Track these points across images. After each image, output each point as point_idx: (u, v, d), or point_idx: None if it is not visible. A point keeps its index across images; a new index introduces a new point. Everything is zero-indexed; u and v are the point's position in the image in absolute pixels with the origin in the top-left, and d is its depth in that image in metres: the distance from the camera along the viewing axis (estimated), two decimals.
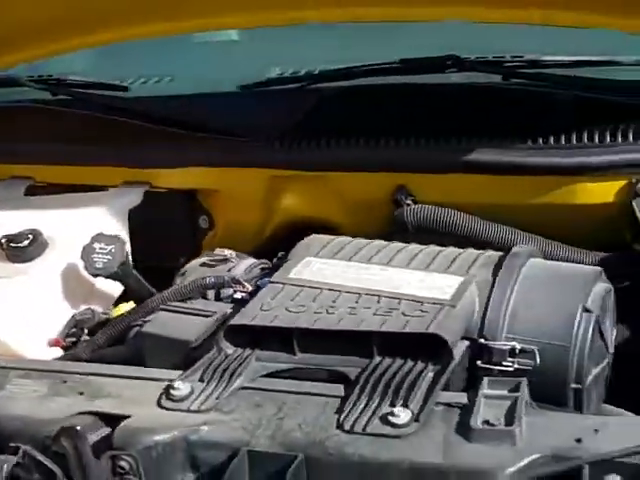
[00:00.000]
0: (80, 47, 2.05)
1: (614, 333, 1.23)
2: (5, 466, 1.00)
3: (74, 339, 1.42)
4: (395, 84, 1.61)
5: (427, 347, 1.07)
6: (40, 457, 1.00)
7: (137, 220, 1.67)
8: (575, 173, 1.42)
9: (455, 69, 1.64)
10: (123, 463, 1.01)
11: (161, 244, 1.64)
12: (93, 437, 1.04)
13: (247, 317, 1.15)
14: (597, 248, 1.42)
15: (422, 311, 1.10)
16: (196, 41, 2.33)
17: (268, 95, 1.73)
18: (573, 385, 1.11)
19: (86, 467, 1.00)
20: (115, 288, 1.53)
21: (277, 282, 1.22)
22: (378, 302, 1.14)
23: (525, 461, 0.93)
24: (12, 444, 1.04)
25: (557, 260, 1.37)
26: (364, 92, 1.62)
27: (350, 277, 1.20)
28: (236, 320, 1.15)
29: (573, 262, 1.37)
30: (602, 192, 1.42)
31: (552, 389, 1.10)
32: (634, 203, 1.40)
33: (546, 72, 1.59)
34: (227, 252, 1.47)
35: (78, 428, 1.00)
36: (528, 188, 1.45)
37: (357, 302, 1.15)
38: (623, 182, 1.41)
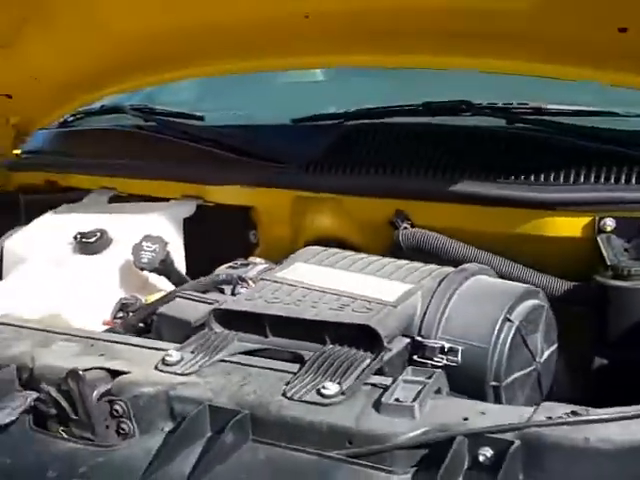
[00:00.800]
0: (177, 79, 2.38)
1: (549, 346, 1.40)
2: (29, 399, 1.26)
3: (120, 319, 1.69)
4: (405, 123, 1.82)
5: (366, 338, 1.27)
6: (55, 394, 1.25)
7: (194, 233, 1.94)
8: (546, 207, 1.59)
9: (468, 113, 1.83)
10: (117, 407, 1.24)
11: (215, 255, 1.80)
12: (101, 387, 1.28)
13: (232, 304, 1.39)
14: (567, 277, 1.59)
15: (368, 309, 1.30)
16: (279, 81, 2.64)
17: (307, 129, 1.96)
18: (492, 383, 1.28)
19: (86, 403, 1.24)
20: (162, 282, 1.80)
21: (265, 279, 1.45)
22: (337, 300, 1.34)
23: (416, 432, 1.12)
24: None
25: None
26: (380, 130, 1.82)
27: (323, 280, 1.41)
28: (222, 305, 1.38)
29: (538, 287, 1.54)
30: (570, 226, 1.59)
31: (475, 384, 1.28)
32: (599, 238, 1.57)
33: (544, 119, 1.76)
34: (257, 260, 1.71)
35: (81, 372, 1.24)
36: (507, 219, 1.63)
37: (321, 299, 1.35)
38: (589, 219, 1.59)
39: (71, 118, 2.49)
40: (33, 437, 1.27)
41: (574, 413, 1.11)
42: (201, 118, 2.20)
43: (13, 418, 1.26)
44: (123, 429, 1.25)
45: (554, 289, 1.55)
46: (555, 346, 1.42)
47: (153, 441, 1.20)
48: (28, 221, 2.02)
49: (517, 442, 1.06)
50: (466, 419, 1.13)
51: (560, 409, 1.13)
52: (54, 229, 1.88)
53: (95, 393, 1.27)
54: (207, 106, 2.54)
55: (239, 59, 1.95)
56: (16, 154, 2.43)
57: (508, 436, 1.09)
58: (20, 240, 1.86)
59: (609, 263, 1.52)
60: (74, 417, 1.27)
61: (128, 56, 2.01)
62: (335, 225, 1.77)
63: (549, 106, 1.78)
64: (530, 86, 1.79)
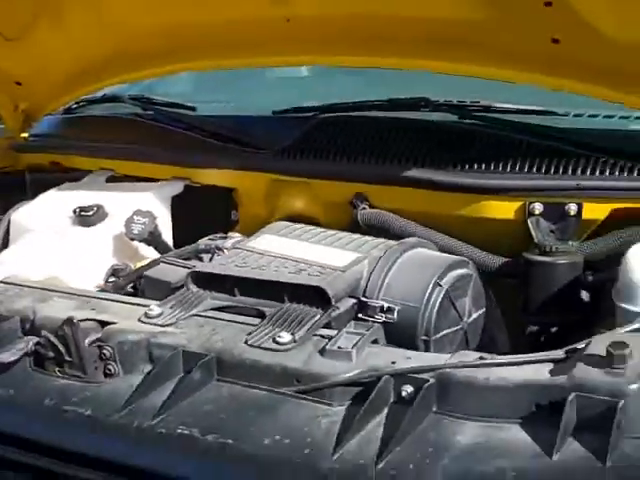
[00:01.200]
0: (171, 73, 2.57)
1: (477, 309, 1.60)
2: (30, 343, 1.46)
3: (112, 283, 1.89)
4: (369, 117, 2.02)
5: (318, 297, 1.48)
6: (52, 339, 1.45)
7: (181, 210, 2.13)
8: (485, 192, 1.79)
9: (427, 109, 2.03)
10: (105, 351, 1.44)
11: (199, 230, 1.97)
12: (92, 334, 1.48)
13: (206, 267, 1.59)
14: (502, 254, 1.78)
15: (321, 273, 1.51)
16: (267, 76, 2.84)
17: (285, 120, 2.17)
18: (422, 337, 1.50)
19: (79, 347, 1.43)
20: (151, 252, 2.00)
21: (238, 248, 1.65)
22: (296, 266, 1.55)
23: (352, 372, 1.32)
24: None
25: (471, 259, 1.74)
26: (346, 122, 2.03)
27: (286, 249, 1.61)
28: (197, 268, 1.59)
29: (474, 261, 1.74)
30: (504, 210, 1.78)
31: (408, 339, 1.49)
32: (529, 221, 1.77)
33: (491, 116, 1.95)
34: (236, 235, 1.91)
35: (75, 321, 1.44)
36: (452, 202, 1.83)
37: (282, 265, 1.56)
38: (520, 203, 1.78)
39: (75, 105, 2.68)
40: (33, 375, 1.48)
41: (481, 358, 1.32)
42: (193, 108, 2.40)
43: (16, 357, 1.46)
44: (109, 370, 1.46)
45: (489, 263, 1.76)
46: (483, 310, 1.62)
47: (134, 379, 1.41)
48: (33, 197, 2.21)
49: (432, 380, 1.27)
50: (394, 362, 1.34)
51: (472, 356, 1.33)
52: (56, 204, 2.09)
53: (87, 339, 1.49)
54: (202, 98, 2.74)
55: (226, 57, 2.14)
56: (24, 137, 2.62)
57: (426, 376, 1.30)
58: (25, 213, 2.06)
59: (536, 242, 1.74)
60: (68, 359, 1.47)
61: (128, 50, 2.22)
62: (304, 205, 1.98)
63: (496, 105, 1.98)
64: (483, 86, 1.99)
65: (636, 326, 1.35)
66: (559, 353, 1.29)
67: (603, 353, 1.21)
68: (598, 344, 1.25)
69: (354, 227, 1.86)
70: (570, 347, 1.29)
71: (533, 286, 1.68)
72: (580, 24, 1.65)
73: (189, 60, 2.27)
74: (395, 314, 1.48)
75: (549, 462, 1.14)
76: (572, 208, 1.73)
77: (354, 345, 1.37)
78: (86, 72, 2.47)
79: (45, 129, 2.63)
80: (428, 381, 1.26)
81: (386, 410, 1.28)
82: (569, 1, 1.64)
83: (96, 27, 2.21)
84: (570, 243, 1.73)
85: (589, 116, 1.94)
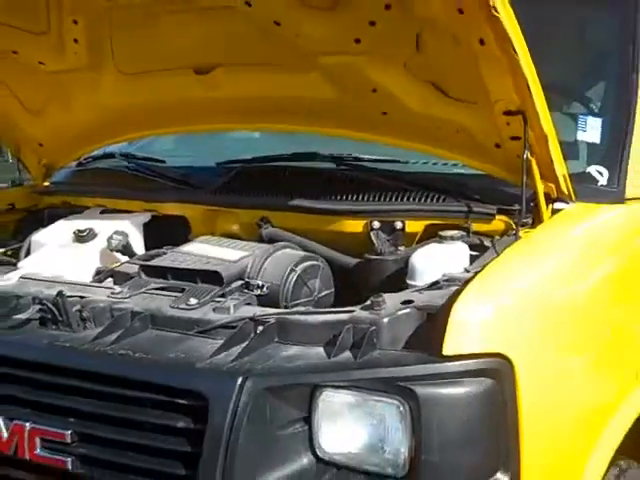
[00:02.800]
0: (148, 136, 3.32)
1: (326, 289, 2.31)
2: (33, 307, 2.18)
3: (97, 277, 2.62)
4: (276, 165, 2.77)
5: (217, 278, 2.21)
6: (51, 306, 2.16)
7: (149, 233, 2.86)
8: (343, 214, 2.51)
9: (316, 159, 2.76)
10: (84, 313, 2.17)
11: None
12: (76, 303, 2.20)
13: (150, 263, 2.33)
14: (354, 255, 2.49)
15: (221, 264, 2.25)
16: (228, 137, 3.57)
17: (222, 169, 2.89)
18: (283, 304, 2.22)
19: (67, 311, 2.14)
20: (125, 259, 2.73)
21: (174, 251, 2.38)
22: (206, 260, 2.29)
23: (228, 319, 2.02)
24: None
25: (327, 259, 2.45)
26: (259, 169, 2.77)
27: (204, 251, 2.36)
28: (145, 263, 2.32)
29: (334, 262, 2.45)
30: (355, 226, 2.50)
31: (275, 305, 2.23)
32: (371, 233, 2.48)
33: (355, 163, 2.68)
34: None
35: (65, 294, 2.15)
36: (326, 222, 2.55)
37: (199, 259, 2.30)
38: (365, 221, 2.49)
39: (83, 160, 3.42)
40: (37, 330, 2.18)
41: (305, 312, 2.04)
42: (163, 161, 3.12)
43: (27, 316, 2.17)
44: (86, 325, 2.17)
45: (344, 261, 2.47)
46: (331, 290, 2.34)
47: (101, 329, 2.14)
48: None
49: (273, 321, 1.98)
50: (254, 313, 2.05)
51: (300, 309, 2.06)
52: (63, 228, 2.83)
53: (74, 308, 2.21)
54: (178, 153, 3.50)
55: (172, 126, 2.94)
56: (45, 184, 3.41)
57: (271, 319, 2.00)
58: (42, 235, 2.81)
59: (375, 247, 2.45)
60: (60, 319, 2.18)
61: (112, 121, 2.97)
62: (229, 226, 2.69)
63: (361, 156, 2.71)
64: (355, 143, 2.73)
65: (410, 291, 2.06)
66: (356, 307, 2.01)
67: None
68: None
69: (260, 240, 2.60)
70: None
71: (371, 275, 2.39)
72: (394, 104, 2.41)
73: (147, 129, 3.06)
74: (266, 289, 2.21)
75: (329, 361, 1.85)
76: (398, 225, 2.46)
77: (234, 305, 2.10)
78: (89, 137, 3.22)
79: (60, 178, 3.37)
80: (270, 322, 1.98)
81: (247, 341, 1.99)
82: (389, 89, 2.40)
83: (92, 106, 2.99)
84: (400, 248, 2.46)
85: (422, 163, 2.67)
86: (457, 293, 1.89)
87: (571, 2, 2.80)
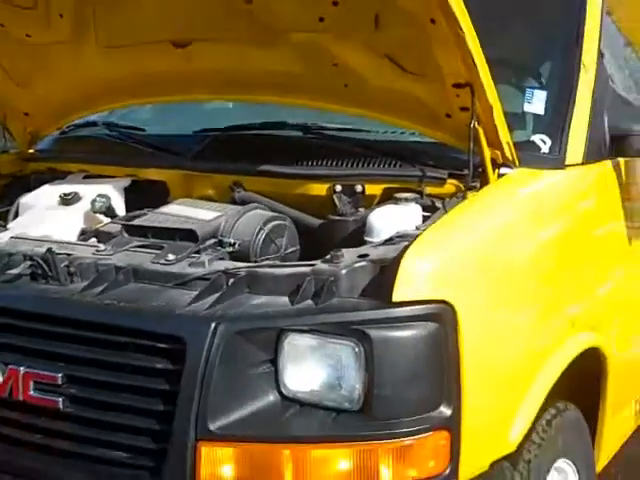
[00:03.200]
0: (129, 105, 3.47)
1: (292, 246, 2.51)
2: (24, 264, 2.34)
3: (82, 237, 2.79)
4: (246, 133, 2.95)
5: (193, 236, 2.40)
6: (41, 262, 2.34)
7: (130, 196, 3.03)
8: (309, 178, 2.71)
9: (284, 128, 2.94)
10: (71, 268, 2.34)
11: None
12: (64, 259, 2.39)
13: (131, 222, 2.51)
14: (319, 217, 2.68)
15: (196, 222, 2.43)
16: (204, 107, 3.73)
17: (198, 137, 3.06)
18: (253, 259, 2.41)
19: (56, 267, 2.31)
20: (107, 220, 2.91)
21: (154, 212, 2.56)
22: (184, 219, 2.48)
23: (204, 272, 2.21)
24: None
25: (293, 219, 2.64)
26: (231, 137, 2.95)
27: (183, 211, 2.54)
28: (127, 223, 2.50)
29: (300, 222, 2.64)
30: (320, 189, 2.69)
31: (246, 260, 2.40)
32: (334, 196, 2.67)
33: (321, 132, 2.87)
34: None
35: (54, 250, 2.33)
36: (293, 185, 2.74)
37: (177, 219, 2.48)
38: (329, 185, 2.68)
39: (66, 129, 3.57)
40: (29, 284, 2.35)
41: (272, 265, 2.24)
42: (143, 129, 3.29)
43: (19, 271, 2.33)
44: (73, 279, 2.35)
45: (310, 221, 2.66)
46: (297, 247, 2.53)
47: (87, 282, 2.31)
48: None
49: (243, 273, 2.17)
50: (228, 267, 2.24)
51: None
52: (49, 192, 3.00)
53: (62, 263, 2.39)
54: (158, 123, 3.67)
55: (157, 96, 3.10)
56: (30, 151, 3.54)
57: (242, 272, 2.19)
58: (29, 198, 2.97)
59: (337, 209, 2.64)
60: (49, 274, 2.35)
61: (94, 92, 3.13)
62: (205, 189, 2.87)
63: (326, 125, 2.89)
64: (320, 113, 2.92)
65: (366, 246, 2.26)
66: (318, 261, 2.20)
67: None
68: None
69: (233, 202, 2.78)
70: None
71: (334, 233, 2.58)
72: (355, 77, 2.60)
73: (128, 99, 3.23)
74: (237, 246, 2.40)
75: (292, 308, 2.05)
76: (358, 188, 2.65)
77: (209, 260, 2.29)
78: (72, 106, 3.37)
79: (45, 145, 3.51)
80: (241, 274, 2.18)
81: (220, 291, 2.18)
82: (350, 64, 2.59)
83: (75, 78, 3.14)
84: (360, 210, 2.65)
85: (382, 132, 2.86)
86: (407, 247, 2.10)
87: None
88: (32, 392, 2.20)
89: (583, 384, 2.84)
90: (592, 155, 2.82)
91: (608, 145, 2.92)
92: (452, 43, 2.28)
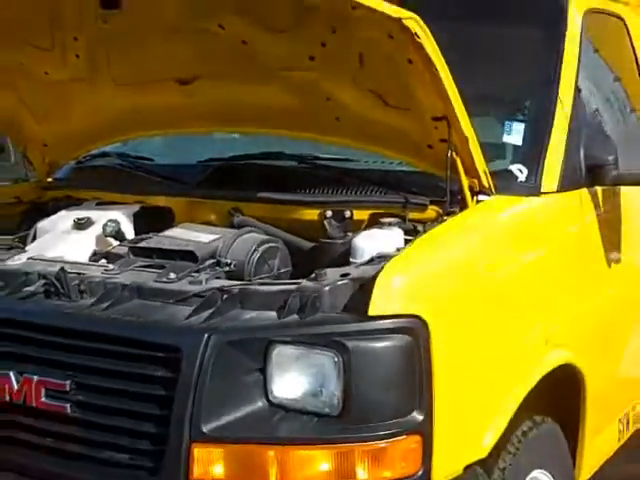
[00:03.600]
0: (139, 137, 3.68)
1: (284, 267, 2.68)
2: (39, 282, 2.53)
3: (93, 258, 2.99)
4: (247, 163, 3.15)
5: (192, 257, 2.59)
6: (54, 280, 2.53)
7: (139, 221, 3.23)
8: (302, 204, 2.89)
9: (282, 159, 3.14)
10: (82, 287, 2.50)
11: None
12: (75, 278, 2.57)
13: (137, 244, 2.71)
14: (313, 240, 2.86)
15: (195, 245, 2.62)
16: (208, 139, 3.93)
17: (203, 166, 3.27)
18: (247, 279, 2.58)
19: (68, 285, 2.49)
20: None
21: (157, 236, 2.75)
22: (185, 242, 2.67)
23: (201, 289, 2.39)
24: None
25: (287, 242, 2.82)
26: (231, 167, 3.14)
27: (184, 235, 2.73)
28: (133, 245, 2.69)
29: (293, 245, 2.82)
30: (313, 214, 2.87)
31: (240, 279, 2.56)
32: (325, 221, 2.85)
33: (314, 162, 3.06)
34: None
35: (66, 270, 2.51)
36: (287, 211, 2.92)
37: (179, 242, 2.67)
38: (320, 210, 2.86)
39: (82, 158, 3.78)
40: (43, 300, 2.53)
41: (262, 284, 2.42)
42: (152, 159, 3.51)
43: (33, 290, 2.52)
44: (83, 296, 2.53)
45: (302, 244, 2.83)
46: (289, 268, 2.70)
47: (95, 298, 2.49)
48: None
49: (236, 290, 2.34)
50: (223, 285, 2.42)
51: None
52: (65, 218, 3.20)
53: (73, 282, 2.57)
54: (167, 154, 3.88)
55: (164, 128, 3.31)
56: (48, 180, 3.77)
57: (235, 289, 2.36)
58: (46, 223, 3.17)
59: (328, 232, 2.82)
60: (61, 291, 2.54)
61: (103, 127, 3.35)
62: (207, 215, 3.07)
63: (319, 155, 3.09)
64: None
65: (350, 266, 2.43)
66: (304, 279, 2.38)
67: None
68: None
69: (232, 227, 2.96)
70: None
71: (324, 255, 2.75)
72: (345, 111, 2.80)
73: (138, 131, 3.46)
74: (233, 266, 2.58)
75: (278, 321, 2.22)
76: (347, 213, 2.83)
77: (206, 279, 2.47)
78: (87, 138, 3.60)
79: (62, 174, 3.74)
80: (234, 291, 2.35)
81: (215, 307, 2.35)
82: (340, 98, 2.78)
83: (90, 111, 3.36)
84: (348, 234, 2.82)
85: (370, 161, 3.04)
86: (384, 266, 2.27)
87: (501, 22, 3.20)
88: (43, 399, 2.38)
89: (563, 401, 3.00)
90: (568, 183, 2.99)
91: (584, 174, 3.10)
92: (428, 80, 2.46)
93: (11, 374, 2.42)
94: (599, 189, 3.18)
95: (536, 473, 2.79)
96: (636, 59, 3.97)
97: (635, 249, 3.54)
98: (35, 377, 2.40)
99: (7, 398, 2.43)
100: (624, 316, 3.45)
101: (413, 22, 2.31)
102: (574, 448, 3.09)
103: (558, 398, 2.94)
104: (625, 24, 3.85)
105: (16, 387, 2.42)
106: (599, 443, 3.32)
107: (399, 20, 2.28)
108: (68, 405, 2.36)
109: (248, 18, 2.75)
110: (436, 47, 2.38)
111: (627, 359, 3.61)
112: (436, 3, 3.02)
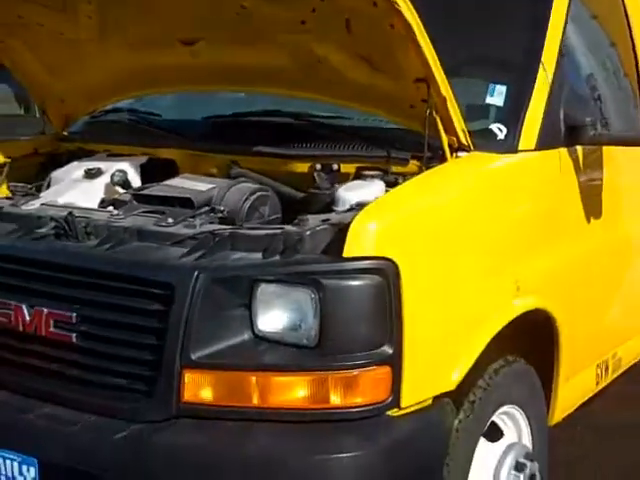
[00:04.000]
0: (148, 94, 3.87)
1: (274, 213, 2.87)
2: (50, 225, 2.75)
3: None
4: (246, 119, 3.34)
5: (190, 204, 2.79)
6: (63, 223, 2.74)
7: (146, 172, 3.43)
8: (294, 158, 3.08)
9: (280, 115, 3.32)
10: (88, 229, 2.73)
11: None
12: (83, 223, 2.78)
13: (139, 191, 2.92)
14: (302, 190, 3.05)
15: (193, 192, 2.82)
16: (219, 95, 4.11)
17: (206, 121, 3.47)
18: (239, 223, 2.77)
19: (76, 227, 2.70)
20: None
21: (161, 184, 2.96)
22: (183, 189, 2.86)
23: (195, 232, 2.59)
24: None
25: (278, 191, 3.01)
26: (233, 121, 3.33)
27: (185, 183, 2.94)
28: (137, 192, 2.90)
29: (284, 194, 3.01)
30: (303, 167, 3.06)
31: (233, 224, 2.75)
32: (314, 173, 3.03)
33: (310, 119, 3.24)
34: None
35: (74, 213, 2.73)
36: (282, 164, 3.11)
37: (178, 190, 2.88)
38: (310, 163, 3.05)
39: (96, 113, 4.00)
40: (54, 241, 2.75)
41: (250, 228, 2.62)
42: (159, 115, 3.71)
43: (45, 231, 2.76)
44: (89, 238, 2.74)
45: (291, 194, 3.02)
46: (278, 215, 2.90)
47: (99, 240, 2.71)
48: None
49: (227, 233, 2.54)
50: (215, 229, 2.62)
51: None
52: (77, 168, 3.41)
53: (80, 225, 2.79)
54: (175, 110, 4.07)
55: (171, 87, 3.50)
56: (64, 133, 3.97)
57: (226, 233, 2.56)
58: (60, 172, 3.38)
59: (316, 184, 3.00)
60: (70, 233, 2.76)
61: (123, 81, 3.54)
62: (207, 167, 3.27)
63: (313, 112, 3.27)
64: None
65: (331, 214, 2.63)
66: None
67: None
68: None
69: (229, 178, 3.16)
70: None
71: (312, 204, 2.91)
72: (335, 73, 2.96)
73: (147, 89, 3.66)
74: (226, 213, 2.78)
75: (262, 261, 2.43)
76: (335, 167, 3.02)
77: (200, 223, 2.67)
78: (101, 94, 3.78)
79: (77, 128, 3.93)
80: (224, 235, 2.55)
81: (206, 248, 2.54)
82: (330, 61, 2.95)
83: (103, 69, 3.55)
84: (335, 185, 3.00)
85: (358, 119, 3.23)
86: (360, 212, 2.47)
87: None
88: (52, 329, 2.62)
89: (538, 345, 3.19)
90: (546, 142, 3.15)
91: (564, 135, 3.26)
92: (409, 45, 2.63)
93: (24, 306, 2.66)
94: (579, 149, 3.35)
95: (507, 408, 3.00)
96: (628, 24, 4.12)
97: (617, 205, 3.72)
98: (45, 309, 2.63)
99: (20, 328, 2.67)
100: (604, 269, 3.63)
101: None
102: (550, 390, 3.30)
103: (534, 342, 3.14)
104: None
105: (28, 318, 2.66)
106: (574, 386, 3.52)
107: None
108: (74, 335, 2.59)
109: None
110: (415, 14, 2.54)
111: (606, 309, 3.80)
112: None
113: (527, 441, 3.13)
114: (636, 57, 4.08)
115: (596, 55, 3.91)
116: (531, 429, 3.13)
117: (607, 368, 3.88)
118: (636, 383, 4.56)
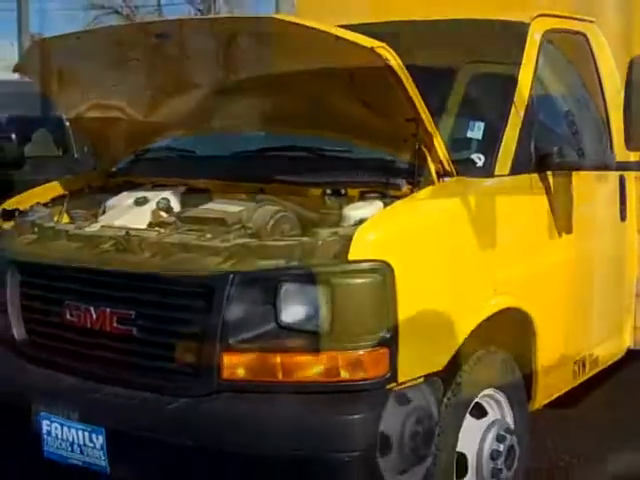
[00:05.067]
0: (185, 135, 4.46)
1: (292, 230, 3.41)
2: (110, 242, 3.32)
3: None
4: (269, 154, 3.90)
5: (224, 223, 3.34)
6: (121, 239, 3.31)
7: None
8: (306, 185, 3.61)
9: (298, 151, 3.87)
10: (142, 245, 3.29)
11: None
12: (137, 240, 3.35)
13: (184, 214, 3.48)
14: (317, 212, 3.59)
15: (227, 214, 3.37)
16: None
17: (235, 157, 4.03)
18: (264, 238, 3.32)
19: (131, 243, 3.28)
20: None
21: (199, 208, 3.52)
22: (219, 212, 3.41)
23: (225, 246, 3.15)
24: None
25: (296, 212, 3.55)
26: (257, 157, 3.90)
27: (217, 207, 3.50)
28: (181, 215, 3.47)
29: (301, 215, 3.55)
30: (317, 193, 3.59)
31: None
32: (325, 197, 3.57)
33: (323, 153, 3.79)
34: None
35: (129, 232, 3.30)
36: (299, 190, 3.64)
37: (214, 212, 3.43)
38: (321, 189, 3.59)
39: (139, 152, 4.58)
40: (114, 255, 3.32)
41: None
42: (194, 152, 4.28)
43: (107, 247, 3.33)
44: (144, 251, 3.29)
45: (306, 215, 3.55)
46: (298, 231, 3.43)
47: (151, 253, 3.27)
48: None
49: (255, 245, 3.10)
50: (245, 242, 3.17)
51: None
52: (127, 197, 3.97)
53: (135, 241, 3.34)
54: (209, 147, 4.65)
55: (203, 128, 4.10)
56: (112, 170, 4.56)
57: (254, 244, 3.12)
58: (113, 200, 3.93)
59: (326, 205, 3.55)
60: (127, 247, 3.31)
61: (161, 126, 4.13)
62: (238, 194, 3.77)
63: (324, 147, 3.79)
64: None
65: (339, 228, 3.17)
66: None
67: None
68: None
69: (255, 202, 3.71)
70: None
71: (323, 222, 3.43)
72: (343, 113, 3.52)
73: (181, 131, 4.24)
74: (254, 230, 3.31)
75: (285, 265, 2.98)
76: (342, 191, 3.56)
77: (233, 238, 3.21)
78: (143, 137, 4.34)
79: (123, 165, 4.49)
80: (253, 245, 3.10)
81: (239, 257, 3.10)
82: (337, 105, 3.52)
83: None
84: (344, 206, 3.54)
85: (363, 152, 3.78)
86: (361, 225, 3.04)
87: (472, 48, 3.92)
88: (115, 324, 3.20)
89: (518, 340, 3.71)
90: (519, 168, 3.70)
91: (534, 162, 3.81)
92: (402, 95, 3.19)
93: (91, 308, 3.25)
94: (549, 174, 3.89)
95: (490, 391, 3.54)
96: (596, 69, 4.68)
97: (584, 222, 4.22)
98: (108, 309, 3.21)
99: (88, 325, 3.26)
100: (573, 278, 4.13)
101: (384, 50, 3.05)
102: (530, 380, 3.82)
103: (514, 337, 3.67)
104: (587, 39, 4.56)
105: (95, 317, 3.24)
106: (552, 379, 4.02)
107: (372, 49, 3.03)
108: (134, 329, 3.17)
109: None
110: (403, 68, 3.10)
111: (579, 313, 4.29)
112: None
113: (509, 419, 3.66)
114: (604, 98, 4.63)
115: (571, 94, 4.47)
116: (512, 410, 3.66)
117: (584, 365, 4.38)
118: None
